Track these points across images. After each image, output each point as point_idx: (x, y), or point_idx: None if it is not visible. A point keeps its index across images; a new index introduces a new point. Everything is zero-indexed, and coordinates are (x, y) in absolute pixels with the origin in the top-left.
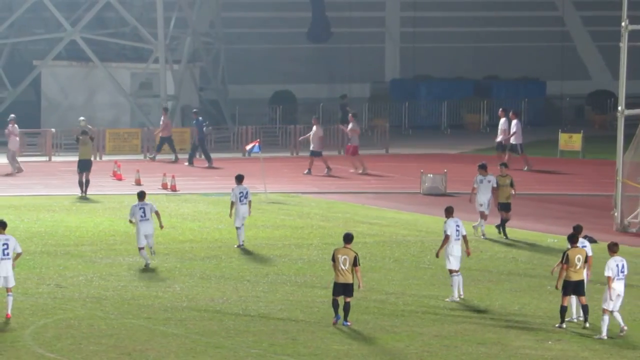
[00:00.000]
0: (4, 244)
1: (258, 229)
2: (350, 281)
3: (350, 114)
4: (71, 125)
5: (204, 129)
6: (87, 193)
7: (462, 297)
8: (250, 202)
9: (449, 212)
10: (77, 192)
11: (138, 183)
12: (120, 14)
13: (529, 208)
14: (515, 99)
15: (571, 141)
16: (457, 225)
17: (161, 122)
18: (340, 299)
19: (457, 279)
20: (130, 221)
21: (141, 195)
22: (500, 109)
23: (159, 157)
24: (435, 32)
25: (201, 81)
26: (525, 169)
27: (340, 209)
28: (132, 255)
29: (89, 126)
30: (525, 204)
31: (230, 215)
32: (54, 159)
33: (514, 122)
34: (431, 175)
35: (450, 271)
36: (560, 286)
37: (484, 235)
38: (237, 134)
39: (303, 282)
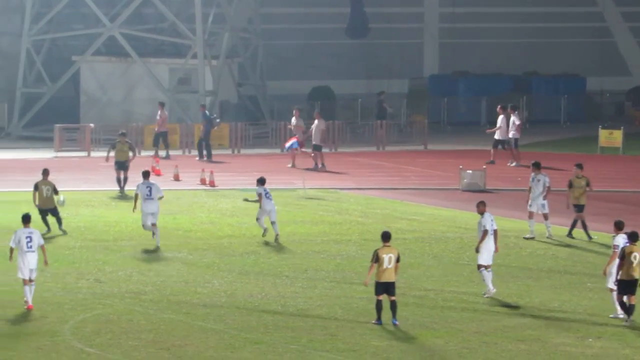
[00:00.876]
0: (27, 237)
1: (297, 224)
2: (393, 279)
3: (295, 109)
4: (110, 121)
5: (216, 122)
6: (125, 189)
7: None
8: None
9: (481, 207)
10: (117, 187)
11: (177, 178)
12: (159, 9)
13: None
14: (554, 95)
15: (611, 137)
16: (491, 220)
17: (158, 117)
18: (384, 299)
19: (488, 274)
20: (136, 194)
21: (146, 175)
22: (499, 106)
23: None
24: (474, 27)
25: (239, 77)
26: (514, 164)
27: (379, 205)
28: (171, 250)
29: (127, 140)
30: (564, 200)
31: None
32: (92, 154)
33: (512, 117)
34: (470, 172)
35: (479, 266)
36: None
37: (529, 235)
38: (276, 130)
39: (342, 278)
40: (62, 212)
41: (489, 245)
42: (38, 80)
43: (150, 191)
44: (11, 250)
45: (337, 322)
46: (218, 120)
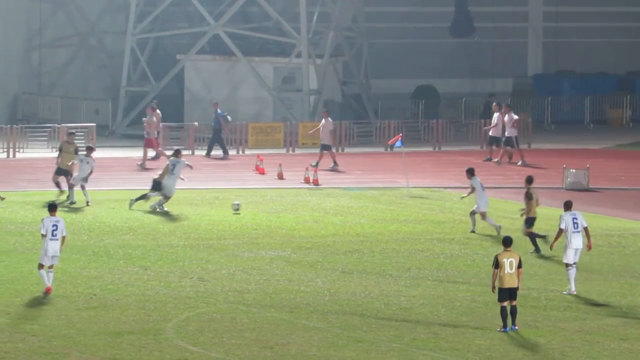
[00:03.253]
0: (53, 226)
1: (400, 223)
2: (516, 285)
3: (149, 106)
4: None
5: (227, 120)
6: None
7: (574, 292)
8: None
9: (566, 206)
10: (222, 185)
11: (280, 177)
12: (264, 8)
13: None
14: None
15: None
16: (575, 218)
17: (148, 120)
18: (507, 305)
19: (573, 272)
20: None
21: (177, 153)
22: (494, 103)
23: (300, 151)
24: (579, 27)
25: (343, 75)
26: (520, 163)
27: None
28: (275, 249)
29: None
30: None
31: None
32: (196, 152)
33: (507, 115)
34: (574, 171)
35: (567, 265)
36: None
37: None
38: (380, 129)
39: (445, 277)
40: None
41: (572, 242)
42: (142, 79)
43: (174, 168)
44: (43, 237)
45: (440, 321)
46: (230, 118)
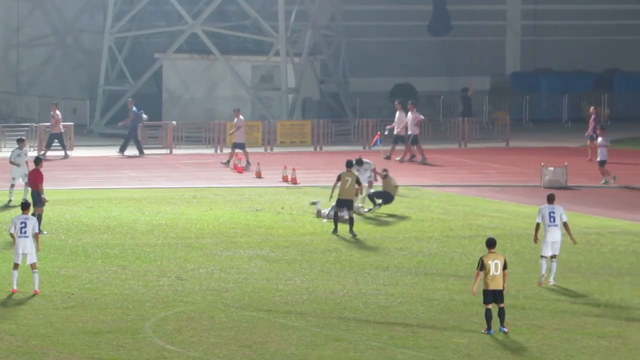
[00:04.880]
0: (22, 223)
1: (378, 221)
2: (501, 287)
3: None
4: (192, 119)
5: (143, 118)
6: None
7: (553, 284)
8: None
9: (548, 199)
10: (200, 184)
11: (259, 176)
12: (242, 7)
13: None
14: (636, 92)
15: None
16: (552, 212)
17: (51, 118)
18: (493, 307)
19: (545, 265)
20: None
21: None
22: (397, 101)
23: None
24: (557, 25)
25: (322, 74)
26: (420, 160)
27: (461, 202)
28: (253, 247)
29: None
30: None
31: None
32: (175, 151)
33: (410, 113)
34: (552, 169)
35: (542, 256)
36: None
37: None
38: (358, 127)
39: (423, 275)
40: (143, 209)
41: (547, 236)
42: (120, 78)
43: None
44: (12, 236)
45: (418, 319)
46: (145, 116)
